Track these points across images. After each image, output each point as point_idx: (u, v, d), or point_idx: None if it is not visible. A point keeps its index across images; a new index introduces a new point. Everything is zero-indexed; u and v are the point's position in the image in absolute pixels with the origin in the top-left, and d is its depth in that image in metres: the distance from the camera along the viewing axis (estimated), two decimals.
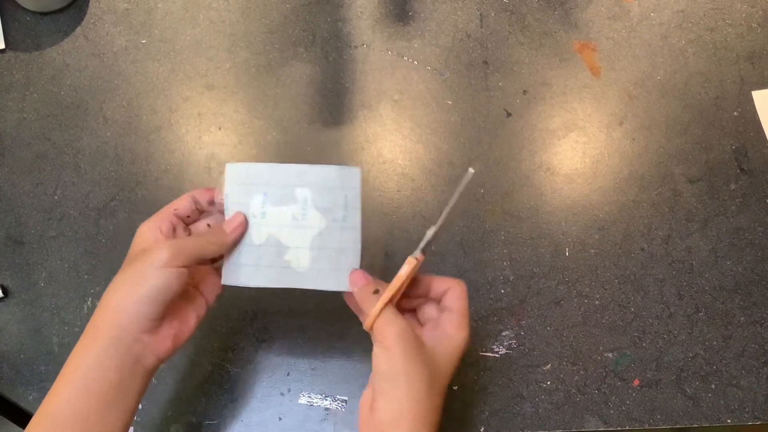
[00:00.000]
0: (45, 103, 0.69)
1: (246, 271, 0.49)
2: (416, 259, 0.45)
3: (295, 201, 0.49)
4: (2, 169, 0.67)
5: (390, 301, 0.44)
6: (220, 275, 0.50)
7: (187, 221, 0.50)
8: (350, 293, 0.48)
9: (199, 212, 0.51)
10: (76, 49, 0.71)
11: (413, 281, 0.47)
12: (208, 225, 0.50)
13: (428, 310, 0.48)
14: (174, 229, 0.48)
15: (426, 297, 0.48)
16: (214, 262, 0.52)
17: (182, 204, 0.49)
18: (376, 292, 0.45)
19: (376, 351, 0.43)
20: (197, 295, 0.49)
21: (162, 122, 0.69)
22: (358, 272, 0.48)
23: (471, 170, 0.43)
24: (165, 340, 0.45)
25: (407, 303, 0.49)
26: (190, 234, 0.50)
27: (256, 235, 0.49)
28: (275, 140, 0.68)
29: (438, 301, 0.48)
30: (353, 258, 0.49)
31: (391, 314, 0.43)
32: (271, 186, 0.49)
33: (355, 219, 0.49)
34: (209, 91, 0.70)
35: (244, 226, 0.49)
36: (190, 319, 0.47)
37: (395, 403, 0.41)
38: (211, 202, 0.51)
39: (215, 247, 0.47)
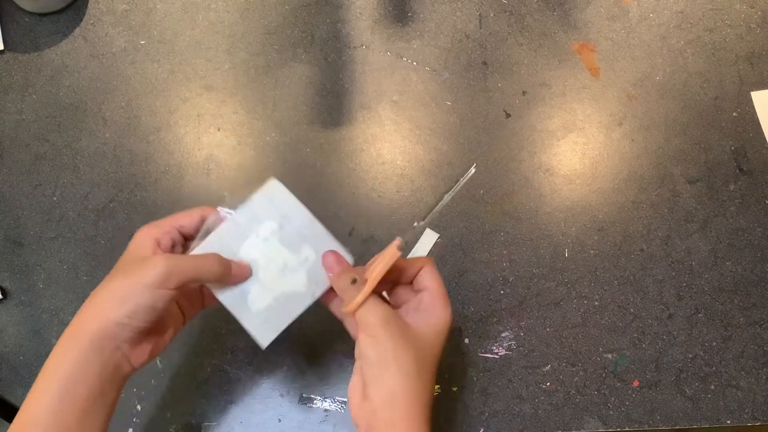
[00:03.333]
0: (44, 104, 0.69)
1: (267, 320, 0.49)
2: (400, 249, 0.44)
3: (298, 254, 0.48)
4: (1, 171, 0.67)
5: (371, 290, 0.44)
6: (203, 294, 0.50)
7: (188, 239, 0.49)
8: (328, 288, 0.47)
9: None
10: (74, 50, 0.71)
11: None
12: None
13: (401, 293, 0.47)
14: (173, 246, 0.47)
15: (397, 281, 0.48)
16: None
17: (189, 222, 0.48)
18: (354, 281, 0.44)
19: (362, 338, 0.42)
20: (177, 310, 0.49)
21: (161, 123, 0.69)
22: (332, 256, 0.47)
23: (473, 169, 0.44)
24: (143, 351, 0.45)
25: (378, 287, 0.47)
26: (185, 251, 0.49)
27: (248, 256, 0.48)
28: (274, 141, 0.68)
29: (410, 283, 0.47)
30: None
31: (373, 301, 0.43)
32: (290, 222, 0.48)
33: (317, 228, 0.49)
34: (208, 92, 0.70)
35: (248, 276, 0.48)
36: (167, 333, 0.47)
37: (387, 387, 0.41)
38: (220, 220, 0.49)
39: (213, 277, 0.46)
